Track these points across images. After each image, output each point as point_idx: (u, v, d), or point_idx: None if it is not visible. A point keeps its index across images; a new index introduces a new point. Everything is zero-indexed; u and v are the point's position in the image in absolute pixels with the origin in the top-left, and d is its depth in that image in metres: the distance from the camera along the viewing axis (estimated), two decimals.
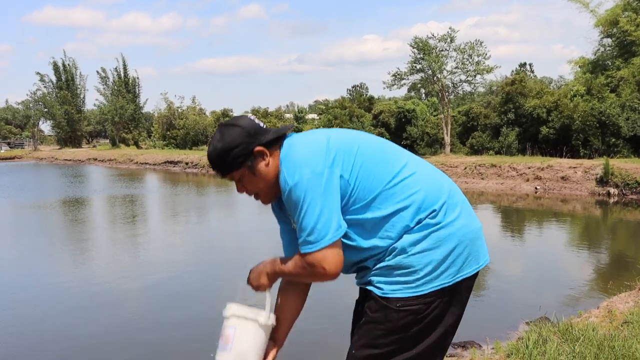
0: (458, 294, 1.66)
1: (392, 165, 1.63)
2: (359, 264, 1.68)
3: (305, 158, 1.57)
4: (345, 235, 1.59)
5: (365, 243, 1.61)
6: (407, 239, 1.58)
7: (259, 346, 1.68)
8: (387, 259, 1.60)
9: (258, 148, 1.61)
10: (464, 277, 1.65)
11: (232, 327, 1.67)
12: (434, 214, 1.59)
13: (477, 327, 5.60)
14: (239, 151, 1.61)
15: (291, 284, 1.77)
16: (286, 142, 1.67)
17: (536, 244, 10.17)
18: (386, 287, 1.59)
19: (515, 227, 11.95)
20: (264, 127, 1.67)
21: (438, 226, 1.59)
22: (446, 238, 1.60)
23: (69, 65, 55.18)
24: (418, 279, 1.57)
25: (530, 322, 4.89)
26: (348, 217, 1.59)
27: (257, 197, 1.72)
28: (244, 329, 1.66)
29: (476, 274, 1.73)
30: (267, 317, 1.67)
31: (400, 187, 1.60)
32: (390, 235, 1.59)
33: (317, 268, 1.55)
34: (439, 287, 1.58)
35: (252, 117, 1.69)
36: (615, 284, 5.99)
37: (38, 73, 55.12)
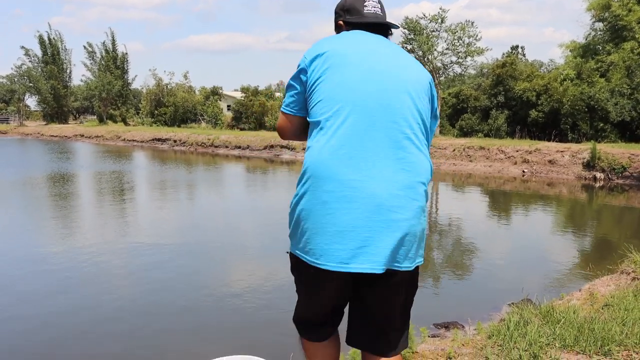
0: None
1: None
2: None
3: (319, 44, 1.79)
4: None
5: None
6: None
7: None
8: None
9: (339, 22, 1.93)
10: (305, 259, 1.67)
11: None
12: None
13: (460, 308, 5.65)
14: (335, 17, 1.96)
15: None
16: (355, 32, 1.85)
17: (521, 227, 10.24)
18: None
19: (502, 210, 12.03)
20: (367, 11, 1.86)
21: None
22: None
23: (54, 39, 54.18)
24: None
25: (513, 303, 4.92)
26: None
27: None
28: None
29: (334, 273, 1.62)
30: None
31: None
32: None
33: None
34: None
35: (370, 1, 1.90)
36: (598, 267, 6.05)
37: (23, 47, 54.20)
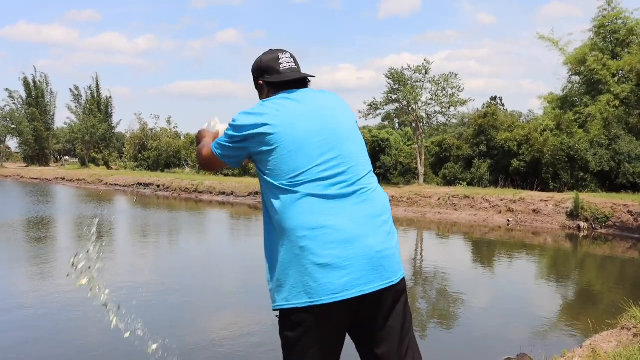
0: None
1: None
2: None
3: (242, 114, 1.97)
4: None
5: None
6: None
7: None
8: None
9: (259, 82, 2.08)
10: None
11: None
12: None
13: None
14: (253, 77, 2.12)
15: None
16: (283, 94, 1.98)
17: (509, 277, 10.18)
18: None
19: (488, 259, 11.98)
20: (283, 68, 2.02)
21: None
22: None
23: (39, 81, 54.27)
24: None
25: (512, 359, 4.80)
26: None
27: None
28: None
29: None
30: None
31: None
32: None
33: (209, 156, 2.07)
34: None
35: (281, 55, 2.05)
36: (590, 320, 5.97)
37: (7, 89, 54.05)
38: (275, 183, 1.83)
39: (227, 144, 1.95)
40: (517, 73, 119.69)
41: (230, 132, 1.94)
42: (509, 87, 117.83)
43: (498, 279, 9.93)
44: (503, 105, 46.49)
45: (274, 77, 2.01)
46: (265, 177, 1.88)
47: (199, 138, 2.23)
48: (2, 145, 55.34)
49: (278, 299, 1.82)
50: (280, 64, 2.02)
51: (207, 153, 2.06)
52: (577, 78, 26.24)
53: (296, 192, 1.80)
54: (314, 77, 2.04)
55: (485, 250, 13.20)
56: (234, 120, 1.94)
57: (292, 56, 2.07)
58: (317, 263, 1.75)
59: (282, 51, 2.07)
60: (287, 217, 1.79)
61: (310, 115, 1.90)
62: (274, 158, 1.84)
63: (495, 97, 47.52)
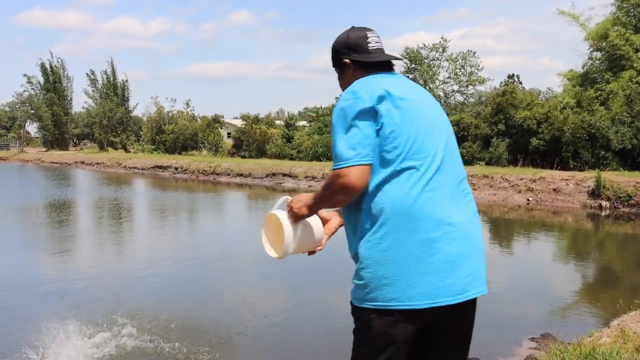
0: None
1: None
2: None
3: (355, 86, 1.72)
4: None
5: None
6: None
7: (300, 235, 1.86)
8: None
9: (345, 60, 1.86)
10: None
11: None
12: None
13: (475, 341, 5.48)
14: (335, 55, 1.90)
15: None
16: (378, 75, 1.77)
17: (530, 256, 10.13)
18: None
19: (508, 239, 11.92)
20: (372, 48, 1.84)
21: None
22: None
23: (56, 66, 54.70)
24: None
25: (534, 338, 4.80)
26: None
27: None
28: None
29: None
30: (292, 240, 1.82)
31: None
32: None
33: (341, 178, 1.61)
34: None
35: (369, 33, 1.86)
36: (616, 300, 5.92)
37: (25, 75, 54.60)
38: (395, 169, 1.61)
39: (356, 128, 1.60)
40: (535, 50, 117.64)
41: (355, 108, 1.61)
42: (527, 64, 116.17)
43: (518, 258, 9.89)
44: (521, 83, 45.67)
45: (363, 57, 1.81)
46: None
47: (305, 206, 1.80)
48: (22, 131, 56.11)
49: (380, 298, 1.59)
50: (369, 42, 1.83)
51: (332, 179, 1.64)
52: (598, 54, 25.71)
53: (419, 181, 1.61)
54: (401, 59, 1.94)
55: (504, 229, 13.13)
56: (353, 93, 1.66)
57: (378, 36, 1.88)
58: (444, 260, 1.60)
59: (369, 29, 1.87)
60: (412, 209, 1.58)
61: (428, 104, 1.75)
62: (396, 138, 1.60)
63: (513, 74, 46.71)
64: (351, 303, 1.70)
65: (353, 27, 1.89)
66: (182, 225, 13.43)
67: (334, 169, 1.62)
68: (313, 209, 1.79)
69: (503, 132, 24.95)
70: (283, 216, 1.85)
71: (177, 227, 12.92)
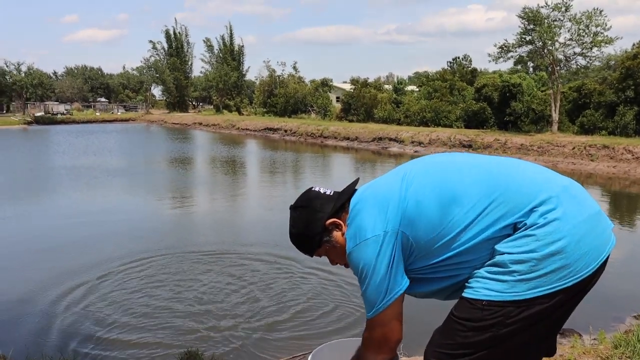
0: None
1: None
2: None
3: (364, 221, 1.48)
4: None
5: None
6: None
7: None
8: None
9: (329, 221, 1.56)
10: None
11: None
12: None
13: (575, 315, 5.38)
14: (312, 233, 1.57)
15: None
16: (354, 199, 1.57)
17: None
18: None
19: (625, 214, 11.18)
20: (330, 193, 1.62)
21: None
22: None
23: (179, 33, 58.09)
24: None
25: (639, 316, 4.67)
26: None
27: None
28: None
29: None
30: None
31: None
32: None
33: (376, 331, 1.48)
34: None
35: (316, 188, 1.65)
36: None
37: (151, 41, 58.60)
38: None
39: (387, 268, 1.44)
40: None
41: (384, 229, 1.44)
42: None
43: (635, 235, 9.31)
44: None
45: (338, 200, 1.65)
46: None
47: None
48: (148, 94, 60.70)
49: (523, 289, 1.42)
50: (324, 193, 1.66)
51: (368, 333, 1.52)
52: None
53: None
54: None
55: (625, 204, 12.30)
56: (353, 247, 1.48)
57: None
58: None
59: (308, 193, 1.68)
60: None
61: None
62: None
63: None
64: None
65: (301, 195, 1.68)
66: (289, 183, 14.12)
67: (374, 313, 1.49)
68: None
69: (631, 100, 22.88)
70: None
71: (285, 185, 13.61)
